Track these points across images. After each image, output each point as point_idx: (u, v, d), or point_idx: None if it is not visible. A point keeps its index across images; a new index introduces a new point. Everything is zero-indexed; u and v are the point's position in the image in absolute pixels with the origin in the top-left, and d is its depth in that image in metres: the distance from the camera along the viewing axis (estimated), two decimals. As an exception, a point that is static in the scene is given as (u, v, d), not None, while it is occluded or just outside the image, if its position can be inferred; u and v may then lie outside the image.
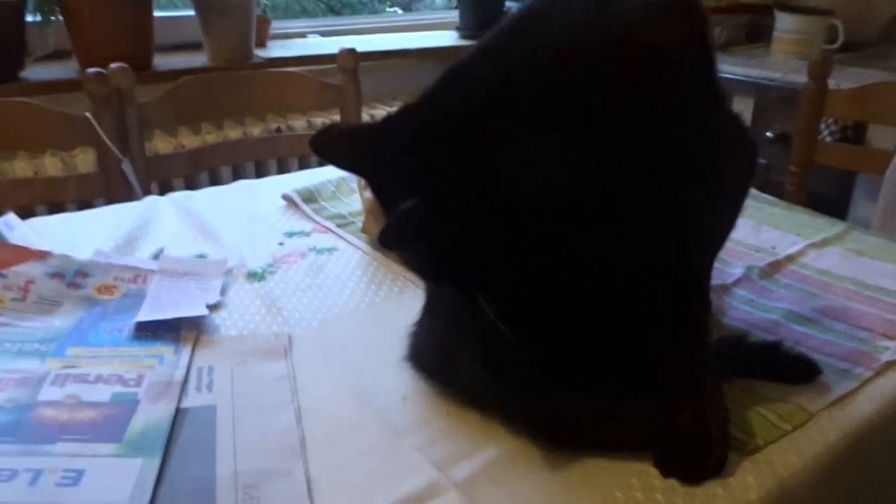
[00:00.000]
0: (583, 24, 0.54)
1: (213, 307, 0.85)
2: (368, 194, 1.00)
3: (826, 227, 1.07)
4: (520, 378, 0.60)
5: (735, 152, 0.63)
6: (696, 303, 0.63)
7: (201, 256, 0.98)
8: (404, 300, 0.87)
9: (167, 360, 0.73)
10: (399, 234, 0.53)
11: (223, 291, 0.89)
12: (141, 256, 0.97)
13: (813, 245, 1.01)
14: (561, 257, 0.54)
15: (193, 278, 0.90)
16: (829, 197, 1.94)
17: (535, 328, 0.58)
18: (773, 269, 0.94)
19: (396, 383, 0.72)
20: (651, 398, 0.61)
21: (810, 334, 0.79)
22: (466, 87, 0.55)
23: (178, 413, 0.66)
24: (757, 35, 2.50)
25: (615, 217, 0.53)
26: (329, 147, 0.61)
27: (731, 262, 0.96)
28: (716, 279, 0.91)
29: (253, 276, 0.93)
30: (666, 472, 0.59)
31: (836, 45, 2.22)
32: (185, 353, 0.75)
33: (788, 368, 0.71)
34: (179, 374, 0.71)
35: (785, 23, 2.29)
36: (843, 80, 1.80)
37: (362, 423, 0.66)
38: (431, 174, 0.54)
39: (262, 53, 2.05)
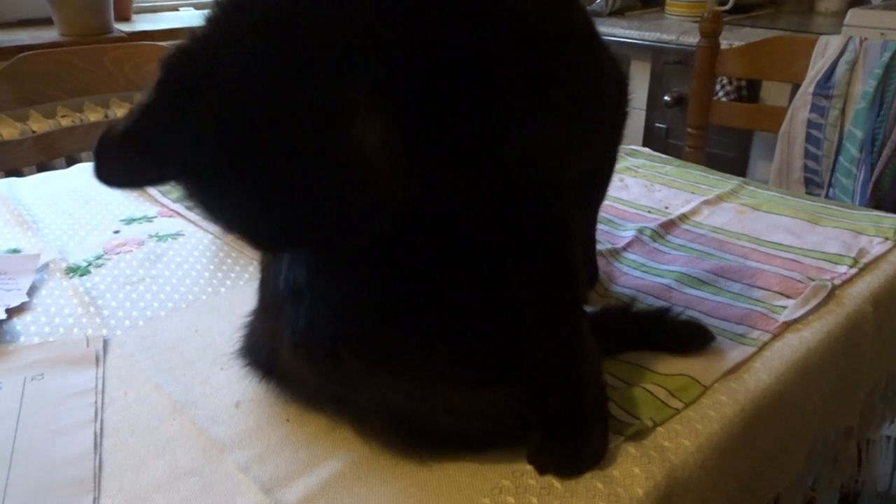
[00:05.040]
0: None
1: (14, 310, 0.70)
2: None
3: (720, 183, 1.01)
4: (344, 361, 0.49)
5: (605, 74, 0.54)
6: (568, 250, 0.53)
7: (14, 251, 0.83)
8: (252, 290, 0.75)
9: (-61, 379, 0.59)
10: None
11: (32, 291, 0.74)
12: (-63, 255, 0.81)
13: (706, 202, 0.94)
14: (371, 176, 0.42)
15: (-5, 277, 0.75)
16: (727, 158, 1.93)
17: (359, 287, 0.48)
18: (665, 229, 0.87)
19: (230, 387, 0.60)
20: (520, 377, 0.51)
21: (704, 297, 0.72)
22: None
23: (-62, 447, 0.52)
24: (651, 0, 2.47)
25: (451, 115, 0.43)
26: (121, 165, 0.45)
27: (622, 225, 0.88)
28: (605, 243, 0.83)
29: (73, 270, 0.79)
30: (541, 467, 0.50)
31: (727, 7, 2.20)
32: (-34, 369, 0.61)
33: (678, 337, 0.63)
34: (-50, 397, 0.57)
35: (678, -15, 2.26)
36: (735, 40, 1.77)
37: (180, 439, 0.54)
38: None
39: (124, 27, 1.86)
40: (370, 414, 0.51)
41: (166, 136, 0.42)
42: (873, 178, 1.51)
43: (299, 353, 0.50)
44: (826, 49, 1.55)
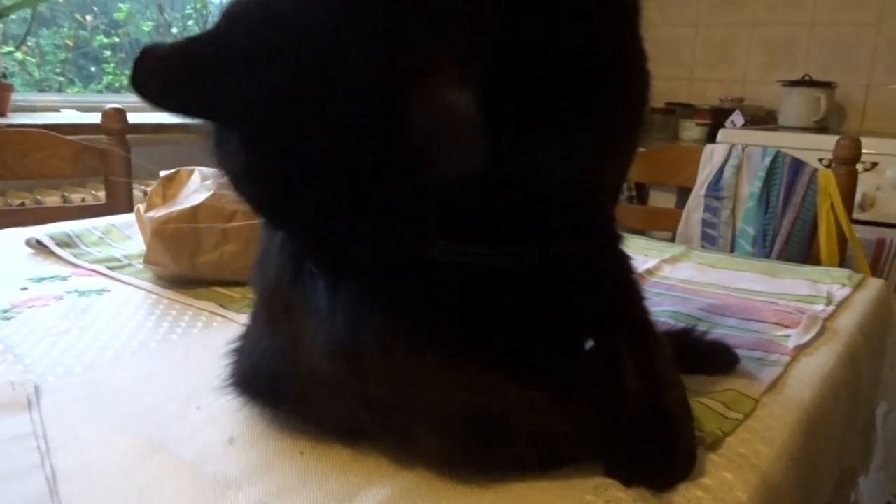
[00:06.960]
0: None
1: None
2: (153, 214, 0.77)
3: (668, 248, 1.03)
4: (400, 371, 0.41)
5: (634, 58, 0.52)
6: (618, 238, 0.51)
7: None
8: (211, 336, 0.64)
9: None
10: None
11: (-76, 340, 0.59)
12: None
13: (665, 261, 0.95)
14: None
15: None
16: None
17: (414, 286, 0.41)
18: (638, 280, 0.85)
19: (216, 424, 0.48)
20: (589, 381, 0.44)
21: (707, 330, 0.69)
22: None
23: None
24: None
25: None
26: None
27: (593, 278, 0.86)
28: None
29: (-23, 321, 0.64)
30: (627, 478, 0.43)
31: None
32: None
33: (711, 356, 0.59)
34: None
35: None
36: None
37: (167, 478, 0.42)
38: None
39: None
40: (422, 423, 0.42)
41: (231, 68, 0.34)
42: (767, 272, 1.62)
43: (339, 354, 0.41)
44: (713, 156, 1.69)
